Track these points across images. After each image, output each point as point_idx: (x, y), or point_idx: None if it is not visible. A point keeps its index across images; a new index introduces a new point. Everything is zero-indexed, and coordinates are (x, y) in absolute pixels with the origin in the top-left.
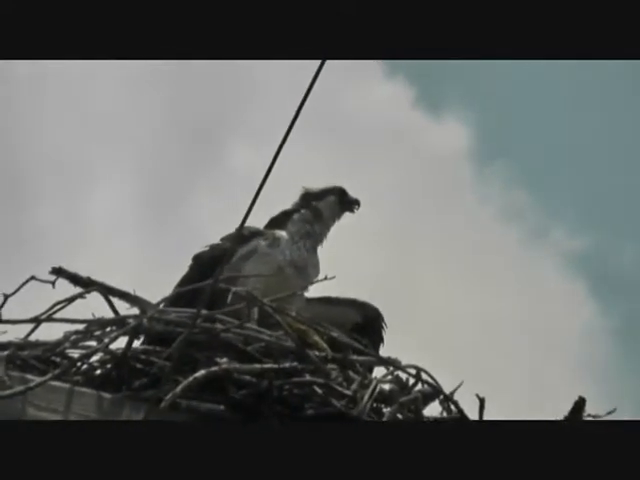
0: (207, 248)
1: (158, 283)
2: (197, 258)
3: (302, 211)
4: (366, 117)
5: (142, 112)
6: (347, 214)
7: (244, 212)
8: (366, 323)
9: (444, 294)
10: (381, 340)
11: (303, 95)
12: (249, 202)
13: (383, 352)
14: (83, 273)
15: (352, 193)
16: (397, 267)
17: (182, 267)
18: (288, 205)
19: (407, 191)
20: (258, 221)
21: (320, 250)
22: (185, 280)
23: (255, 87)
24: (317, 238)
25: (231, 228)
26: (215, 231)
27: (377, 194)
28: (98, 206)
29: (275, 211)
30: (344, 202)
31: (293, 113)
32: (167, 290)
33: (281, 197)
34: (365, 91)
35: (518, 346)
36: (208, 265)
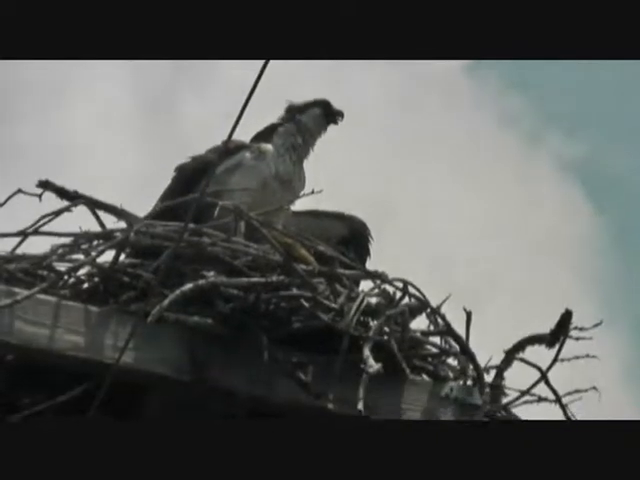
0: (190, 159)
1: (147, 195)
2: (180, 169)
3: (286, 124)
4: None
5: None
6: (332, 127)
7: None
8: (353, 236)
9: (440, 201)
10: (368, 253)
11: None
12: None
13: (371, 265)
14: (70, 186)
15: (342, 105)
16: (392, 177)
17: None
18: (276, 118)
19: (402, 100)
20: (248, 134)
21: (307, 163)
22: (168, 192)
23: None
24: (302, 151)
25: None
26: (206, 142)
27: (370, 105)
28: (84, 119)
29: (264, 123)
30: (328, 114)
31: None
32: (154, 202)
33: (272, 109)
34: None
35: (515, 251)
36: (191, 177)
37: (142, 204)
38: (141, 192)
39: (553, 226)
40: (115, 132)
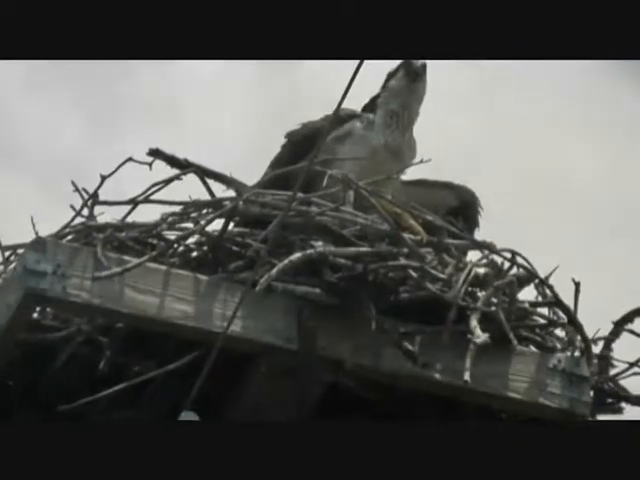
0: (300, 126)
1: (259, 159)
2: (290, 136)
3: (384, 93)
4: None
5: None
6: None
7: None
8: (461, 206)
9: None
10: (476, 224)
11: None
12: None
13: (480, 234)
14: (180, 150)
15: None
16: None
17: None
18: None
19: None
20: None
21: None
22: (278, 160)
23: None
24: (405, 117)
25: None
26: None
27: None
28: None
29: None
30: (410, 73)
31: None
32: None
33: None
34: None
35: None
36: (301, 144)
37: (254, 168)
38: (253, 156)
39: None
40: (228, 92)
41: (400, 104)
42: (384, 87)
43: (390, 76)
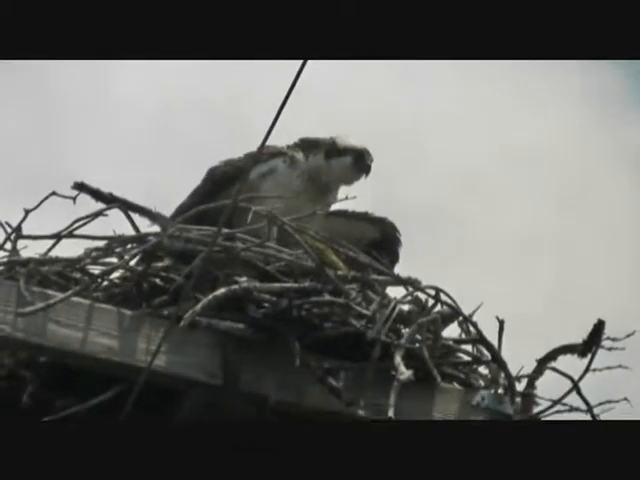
0: (222, 163)
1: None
2: (211, 172)
3: (320, 160)
4: None
5: None
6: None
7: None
8: (383, 239)
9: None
10: (397, 257)
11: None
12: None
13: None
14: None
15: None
16: None
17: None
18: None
19: None
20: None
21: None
22: (198, 193)
23: None
24: (324, 189)
25: None
26: None
27: None
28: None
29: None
30: (360, 165)
31: None
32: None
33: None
34: None
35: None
36: (221, 180)
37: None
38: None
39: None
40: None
41: (331, 181)
42: (327, 156)
43: (336, 152)
